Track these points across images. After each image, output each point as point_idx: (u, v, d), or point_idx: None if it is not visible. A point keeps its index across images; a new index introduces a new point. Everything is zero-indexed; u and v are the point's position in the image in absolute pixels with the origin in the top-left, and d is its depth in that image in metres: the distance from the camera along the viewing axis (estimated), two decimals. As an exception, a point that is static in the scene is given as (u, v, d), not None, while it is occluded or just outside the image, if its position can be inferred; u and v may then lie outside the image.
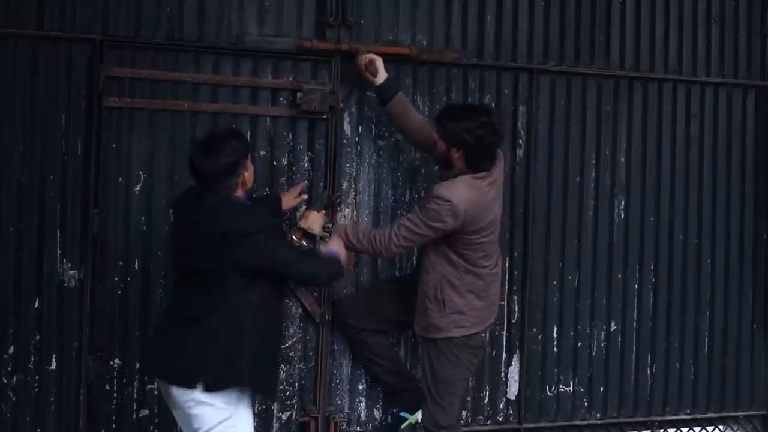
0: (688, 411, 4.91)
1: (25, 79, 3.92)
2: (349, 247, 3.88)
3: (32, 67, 3.93)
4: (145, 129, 4.05)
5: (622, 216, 4.76)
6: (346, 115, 4.31)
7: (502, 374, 4.57)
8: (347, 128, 4.31)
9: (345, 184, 4.30)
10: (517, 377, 4.57)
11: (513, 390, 4.58)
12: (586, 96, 4.70)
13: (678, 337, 4.86)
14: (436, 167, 4.08)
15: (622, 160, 4.76)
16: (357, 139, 4.33)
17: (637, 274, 4.79)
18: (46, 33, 3.93)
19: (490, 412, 4.55)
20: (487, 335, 4.14)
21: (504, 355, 4.56)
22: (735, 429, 5.04)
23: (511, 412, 4.59)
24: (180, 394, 3.33)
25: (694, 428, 4.95)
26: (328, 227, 4.01)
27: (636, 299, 4.80)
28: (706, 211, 4.92)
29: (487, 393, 4.54)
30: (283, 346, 4.21)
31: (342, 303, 4.27)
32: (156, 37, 4.05)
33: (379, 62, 4.11)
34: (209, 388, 3.28)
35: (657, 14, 4.82)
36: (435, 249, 3.82)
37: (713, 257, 4.94)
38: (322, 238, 3.93)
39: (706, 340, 4.94)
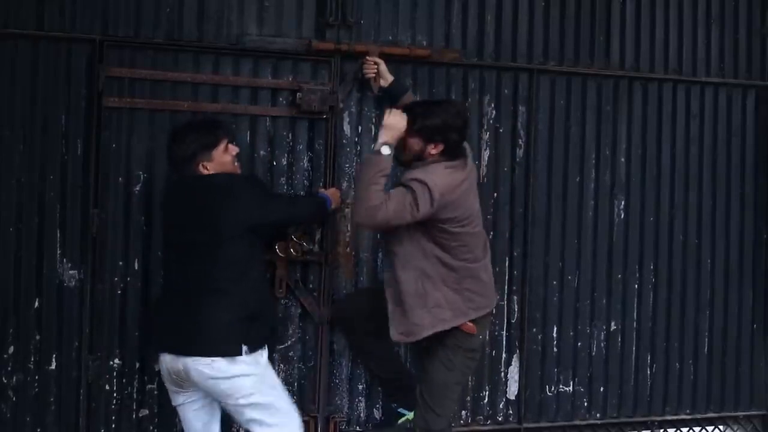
0: (688, 411, 4.90)
1: (25, 79, 3.91)
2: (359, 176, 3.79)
3: (32, 67, 3.92)
4: (145, 129, 4.04)
5: (622, 216, 4.75)
6: (345, 115, 4.31)
7: (502, 374, 4.56)
8: (347, 128, 4.31)
9: (345, 184, 4.30)
10: (516, 377, 4.57)
11: (513, 390, 4.57)
12: (586, 96, 4.69)
13: (678, 337, 4.86)
14: (401, 168, 3.93)
15: (622, 160, 4.75)
16: (357, 139, 4.33)
17: (637, 274, 4.78)
18: (46, 33, 3.91)
19: (490, 412, 4.55)
20: (485, 338, 4.07)
21: (504, 355, 4.56)
22: (735, 429, 5.03)
23: (510, 412, 4.58)
24: (208, 367, 3.40)
25: (694, 428, 4.94)
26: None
27: (636, 299, 4.79)
28: (705, 211, 4.91)
29: (487, 393, 4.54)
30: (282, 346, 4.22)
31: (340, 302, 4.26)
32: (156, 37, 4.05)
33: (383, 66, 4.14)
34: (252, 350, 3.44)
35: (657, 14, 4.81)
36: (410, 239, 3.70)
37: (713, 257, 4.93)
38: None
39: (706, 340, 4.93)
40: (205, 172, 3.53)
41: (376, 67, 4.16)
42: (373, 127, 4.33)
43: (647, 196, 4.80)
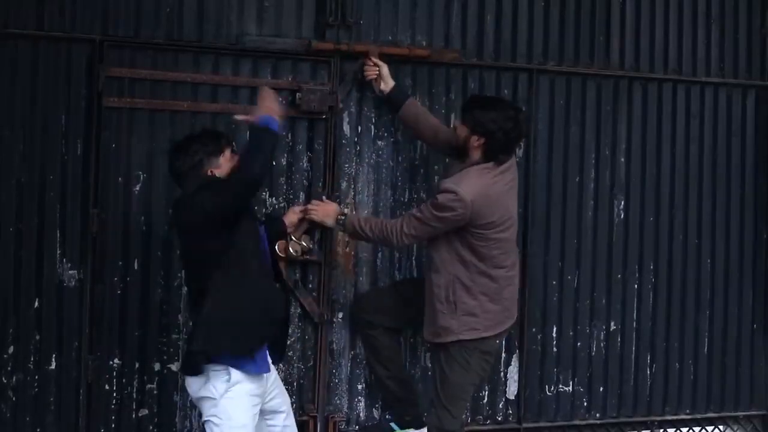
0: (687, 411, 4.91)
1: (25, 79, 3.90)
2: (361, 236, 3.90)
3: (32, 67, 3.92)
4: (145, 129, 4.04)
5: (622, 216, 4.75)
6: (345, 115, 4.31)
7: (502, 374, 4.56)
8: (346, 128, 4.31)
9: (344, 184, 4.30)
10: (516, 377, 4.57)
11: (512, 390, 4.58)
12: (585, 96, 4.70)
13: (678, 337, 4.86)
14: (447, 159, 4.07)
15: (622, 160, 4.76)
16: (356, 139, 4.33)
17: (637, 274, 4.79)
18: (46, 33, 3.91)
19: (490, 411, 4.55)
20: (503, 341, 4.06)
21: (503, 355, 4.55)
22: (735, 429, 5.03)
23: (510, 411, 4.59)
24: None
25: (694, 428, 4.94)
26: (341, 219, 3.97)
27: (636, 299, 4.79)
28: (706, 211, 4.92)
29: (487, 393, 4.54)
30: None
31: (360, 299, 4.26)
32: (156, 38, 4.04)
33: (385, 70, 4.13)
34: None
35: (657, 14, 4.82)
36: (447, 246, 3.76)
37: (713, 257, 4.93)
38: (343, 223, 3.98)
39: (706, 340, 4.93)
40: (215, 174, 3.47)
41: (377, 69, 4.15)
42: (372, 127, 4.33)
43: (647, 196, 4.80)
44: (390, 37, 4.35)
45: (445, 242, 3.76)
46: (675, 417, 4.87)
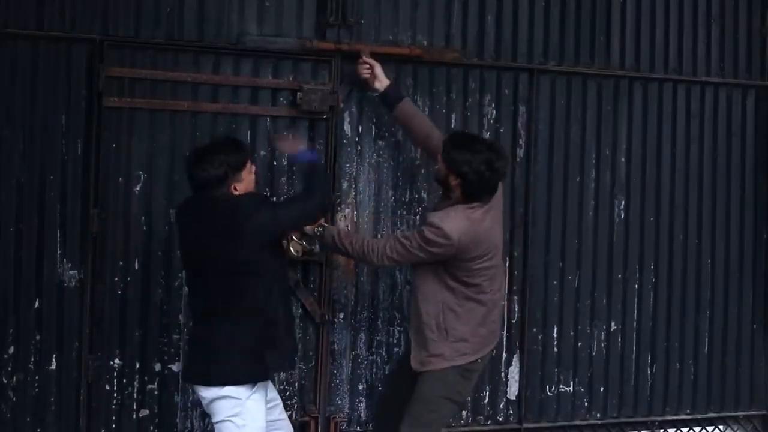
0: (688, 411, 4.89)
1: (25, 79, 3.90)
2: (339, 250, 3.83)
3: (32, 67, 3.91)
4: (145, 129, 4.03)
5: (622, 216, 4.74)
6: (346, 115, 4.30)
7: (502, 374, 4.55)
8: (347, 128, 4.30)
9: (345, 184, 4.29)
10: (517, 377, 4.56)
11: (513, 390, 4.56)
12: (586, 96, 4.68)
13: (678, 337, 4.85)
14: (436, 183, 4.00)
15: (623, 160, 4.74)
16: (357, 139, 4.31)
17: (637, 274, 4.77)
18: (46, 33, 3.91)
19: (490, 412, 4.54)
20: (486, 361, 3.94)
21: (504, 355, 4.55)
22: (735, 429, 5.01)
23: (511, 412, 4.58)
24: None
25: (694, 428, 4.92)
26: (319, 230, 3.85)
27: (636, 299, 4.78)
28: (706, 211, 4.90)
29: (487, 393, 4.53)
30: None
31: (382, 400, 4.18)
32: (156, 37, 4.04)
33: (378, 69, 4.11)
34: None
35: (657, 14, 4.80)
36: (433, 275, 3.69)
37: (713, 257, 4.92)
38: (321, 234, 3.85)
39: (706, 340, 4.92)
40: (236, 192, 3.44)
41: (370, 69, 4.12)
42: (373, 127, 4.32)
43: (647, 196, 4.78)
44: (391, 37, 4.34)
45: (431, 271, 3.70)
46: (675, 417, 4.85)
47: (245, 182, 3.48)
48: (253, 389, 3.39)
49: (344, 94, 4.26)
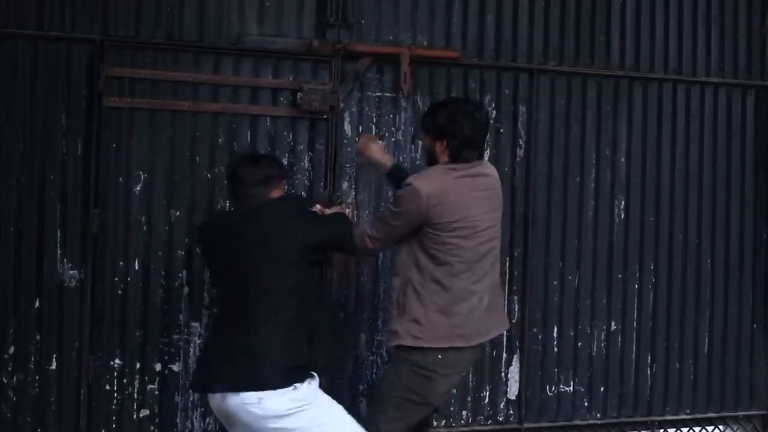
0: (688, 411, 4.86)
1: (25, 79, 3.88)
2: None
3: (32, 67, 3.90)
4: (146, 129, 4.02)
5: (622, 216, 4.72)
6: (346, 114, 4.28)
7: (502, 374, 4.53)
8: (347, 128, 4.28)
9: (345, 184, 4.28)
10: (517, 377, 4.54)
11: (513, 390, 4.55)
12: (586, 96, 4.67)
13: (678, 337, 4.82)
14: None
15: (623, 160, 4.72)
16: (357, 138, 4.29)
17: (637, 274, 4.75)
18: (46, 33, 3.89)
19: (491, 412, 4.52)
20: (468, 364, 3.71)
21: (504, 355, 4.53)
22: (735, 429, 4.99)
23: (511, 412, 4.56)
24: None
25: (694, 428, 4.90)
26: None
27: (636, 299, 4.75)
28: (706, 211, 4.88)
29: (488, 393, 4.51)
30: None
31: None
32: (156, 37, 4.02)
33: (374, 154, 3.97)
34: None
35: (657, 14, 4.78)
36: (407, 249, 3.56)
37: (713, 257, 4.90)
38: None
39: (706, 340, 4.89)
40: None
41: (366, 157, 4.03)
42: (373, 127, 4.30)
43: (647, 196, 4.76)
44: (391, 37, 4.33)
45: (406, 245, 3.57)
46: (675, 417, 4.83)
47: (280, 191, 3.52)
48: (312, 382, 3.34)
49: (344, 94, 4.24)
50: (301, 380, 3.28)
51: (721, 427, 4.97)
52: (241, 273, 3.34)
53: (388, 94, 4.36)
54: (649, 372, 4.78)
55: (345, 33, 4.24)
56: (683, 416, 4.86)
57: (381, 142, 4.20)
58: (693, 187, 4.85)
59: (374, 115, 4.32)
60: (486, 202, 3.61)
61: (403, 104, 4.37)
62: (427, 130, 3.67)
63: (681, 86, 4.82)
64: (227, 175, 3.64)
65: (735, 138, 4.93)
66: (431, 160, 3.68)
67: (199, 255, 3.91)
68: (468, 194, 3.54)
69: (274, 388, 3.20)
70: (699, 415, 4.89)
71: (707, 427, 4.93)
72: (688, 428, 4.90)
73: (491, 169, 3.74)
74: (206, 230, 3.64)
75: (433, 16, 4.39)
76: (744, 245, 4.96)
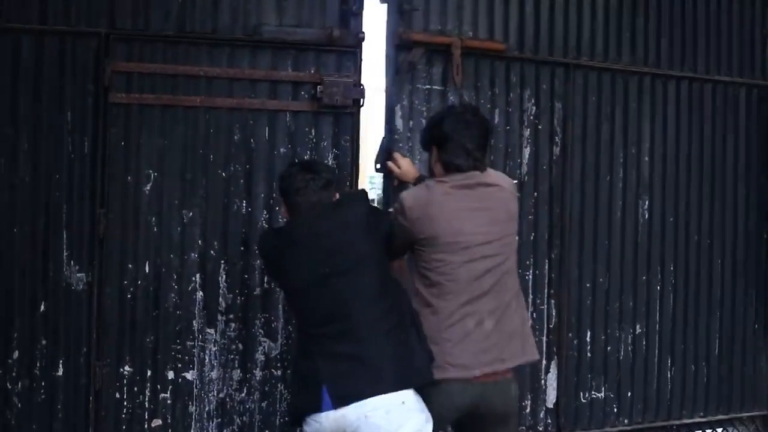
0: (701, 414, 4.16)
1: (29, 75, 3.21)
2: None
3: (36, 63, 3.23)
4: (155, 126, 3.36)
5: (646, 216, 4.05)
6: (398, 108, 3.52)
7: (542, 381, 3.86)
8: (399, 122, 3.52)
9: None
10: (555, 384, 3.90)
11: (551, 398, 3.88)
12: (614, 93, 3.90)
13: (693, 339, 4.14)
14: None
15: (646, 159, 4.04)
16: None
17: (659, 276, 4.09)
18: (51, 27, 3.23)
19: (531, 422, 3.86)
20: (456, 404, 2.72)
21: (543, 362, 3.83)
22: (739, 430, 4.29)
23: (549, 420, 3.88)
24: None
25: (707, 431, 4.22)
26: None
27: (658, 301, 4.07)
28: (717, 211, 4.12)
29: (529, 402, 3.81)
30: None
31: None
32: (166, 30, 3.35)
33: (400, 169, 3.24)
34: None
35: (674, 12, 3.99)
36: (409, 274, 2.83)
37: (723, 257, 4.15)
38: None
39: (717, 341, 4.19)
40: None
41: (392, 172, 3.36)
42: (423, 122, 3.51)
43: (667, 196, 4.06)
44: (439, 27, 3.54)
45: (408, 269, 2.88)
46: (691, 420, 4.12)
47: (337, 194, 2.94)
48: None
49: (397, 86, 3.48)
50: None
51: (729, 429, 4.30)
52: (338, 282, 2.63)
53: (437, 87, 3.63)
54: (669, 375, 4.11)
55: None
56: (697, 419, 4.17)
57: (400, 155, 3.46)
58: (706, 187, 4.16)
59: (424, 108, 3.64)
60: (483, 214, 2.79)
61: (451, 98, 3.68)
62: (421, 143, 3.10)
63: (695, 84, 4.05)
64: (283, 189, 2.85)
65: (740, 137, 4.18)
66: (431, 175, 2.99)
67: (269, 275, 3.21)
68: (457, 206, 2.76)
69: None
70: (711, 418, 4.19)
71: (717, 429, 4.28)
72: (700, 431, 4.20)
73: (496, 178, 2.93)
74: (276, 247, 2.81)
75: (476, 6, 3.69)
76: (749, 245, 4.26)
